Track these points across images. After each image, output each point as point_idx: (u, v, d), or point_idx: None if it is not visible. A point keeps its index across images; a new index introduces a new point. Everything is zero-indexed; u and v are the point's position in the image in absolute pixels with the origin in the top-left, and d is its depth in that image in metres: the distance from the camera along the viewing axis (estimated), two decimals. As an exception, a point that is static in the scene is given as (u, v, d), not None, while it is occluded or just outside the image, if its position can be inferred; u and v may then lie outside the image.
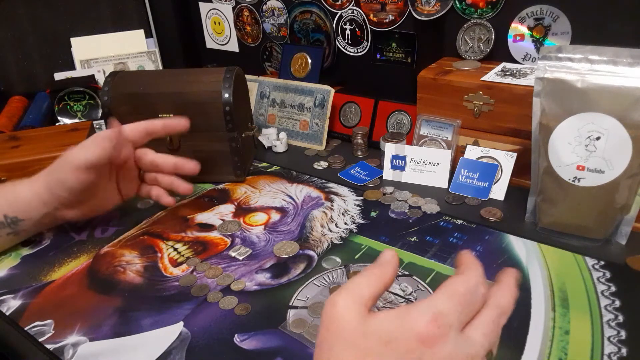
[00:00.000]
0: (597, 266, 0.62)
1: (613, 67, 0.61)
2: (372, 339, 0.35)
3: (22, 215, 0.68)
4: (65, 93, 1.12)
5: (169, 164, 0.74)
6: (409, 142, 0.89)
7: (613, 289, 0.58)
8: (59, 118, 1.11)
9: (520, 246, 0.67)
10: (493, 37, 0.87)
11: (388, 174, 0.86)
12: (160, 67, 1.29)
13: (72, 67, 1.25)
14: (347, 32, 1.07)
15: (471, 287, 0.37)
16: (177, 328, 0.57)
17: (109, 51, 1.25)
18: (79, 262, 0.70)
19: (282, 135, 1.00)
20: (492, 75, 0.81)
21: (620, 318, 0.54)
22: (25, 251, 0.72)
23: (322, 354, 0.36)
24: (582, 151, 0.63)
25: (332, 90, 0.99)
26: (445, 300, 0.36)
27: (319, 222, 0.75)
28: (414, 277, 0.63)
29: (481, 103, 0.80)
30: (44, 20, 1.24)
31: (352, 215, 0.76)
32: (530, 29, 0.85)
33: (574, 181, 0.65)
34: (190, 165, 0.74)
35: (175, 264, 0.68)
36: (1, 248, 0.71)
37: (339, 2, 1.05)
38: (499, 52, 0.88)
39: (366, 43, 1.05)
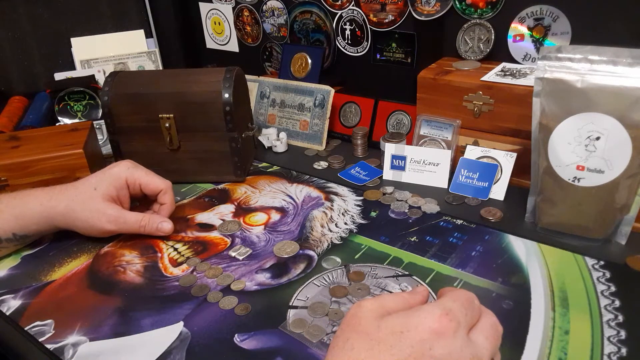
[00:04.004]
0: (597, 266, 0.62)
1: (613, 67, 0.61)
2: (385, 330, 0.37)
3: (30, 232, 0.69)
4: (66, 93, 1.12)
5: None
6: (409, 142, 0.89)
7: (613, 289, 0.58)
8: (59, 118, 1.11)
9: (520, 246, 0.67)
10: (493, 37, 0.87)
11: (388, 174, 0.86)
12: (160, 67, 1.29)
13: (72, 67, 1.25)
14: (347, 32, 1.07)
15: (469, 297, 0.41)
16: (177, 328, 0.57)
17: (109, 51, 1.25)
18: (79, 262, 0.70)
19: (282, 135, 1.00)
20: (492, 76, 0.81)
21: (620, 318, 0.54)
22: (25, 251, 0.72)
23: (337, 343, 0.39)
24: (582, 151, 0.63)
25: (332, 90, 0.98)
26: (451, 301, 0.39)
27: (319, 222, 0.75)
28: (414, 277, 0.63)
29: (481, 103, 0.80)
30: (44, 20, 1.24)
31: (352, 215, 0.76)
32: (530, 29, 0.85)
33: (573, 181, 0.65)
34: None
35: (176, 264, 0.68)
36: (3, 254, 0.71)
37: (339, 2, 1.05)
38: (499, 52, 0.88)
39: (366, 43, 1.05)
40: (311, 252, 0.69)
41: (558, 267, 0.63)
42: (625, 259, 0.63)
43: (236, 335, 0.55)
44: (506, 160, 0.78)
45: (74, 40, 1.25)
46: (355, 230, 0.73)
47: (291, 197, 0.83)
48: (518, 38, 0.86)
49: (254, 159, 0.98)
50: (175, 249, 0.71)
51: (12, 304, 0.62)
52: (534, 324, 0.54)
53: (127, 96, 0.85)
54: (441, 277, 0.63)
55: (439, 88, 0.84)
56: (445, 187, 0.82)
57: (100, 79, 1.21)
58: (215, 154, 0.87)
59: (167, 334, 0.56)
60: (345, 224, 0.75)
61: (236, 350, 0.54)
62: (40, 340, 0.56)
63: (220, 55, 1.34)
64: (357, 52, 1.07)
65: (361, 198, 0.81)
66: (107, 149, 0.97)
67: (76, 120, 1.11)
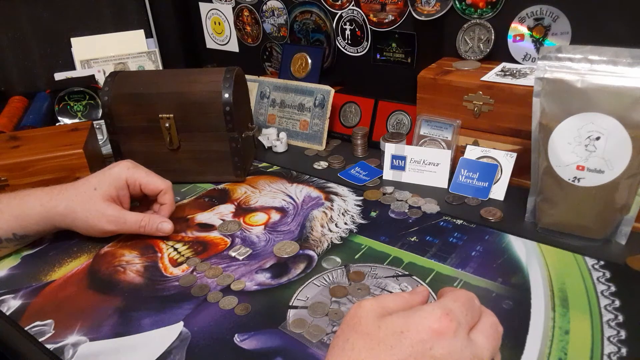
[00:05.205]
0: (597, 266, 0.62)
1: (613, 67, 0.61)
2: (385, 330, 0.37)
3: (30, 232, 0.69)
4: (66, 93, 1.12)
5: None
6: (409, 142, 0.89)
7: (613, 289, 0.58)
8: (59, 118, 1.11)
9: (520, 246, 0.67)
10: (493, 37, 0.87)
11: (388, 174, 0.86)
12: (160, 67, 1.29)
13: (72, 67, 1.25)
14: (347, 32, 1.07)
15: (469, 296, 0.41)
16: (177, 328, 0.57)
17: (109, 51, 1.25)
18: (79, 262, 0.70)
19: (282, 135, 1.00)
20: (492, 75, 0.81)
21: (620, 318, 0.54)
22: (25, 251, 0.72)
23: (337, 343, 0.39)
24: (582, 151, 0.63)
25: (332, 90, 0.98)
26: (452, 302, 0.39)
27: (319, 222, 0.75)
28: (414, 277, 0.63)
29: (481, 103, 0.80)
30: (44, 20, 1.23)
31: (352, 215, 0.76)
32: (530, 29, 0.85)
33: (573, 181, 0.65)
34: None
35: (176, 263, 0.68)
36: (3, 254, 0.71)
37: (339, 2, 1.05)
38: (499, 52, 0.88)
39: (366, 43, 1.05)
40: (311, 252, 0.69)
41: (558, 267, 0.63)
42: (625, 259, 0.63)
43: (236, 335, 0.55)
44: (506, 160, 0.78)
45: (74, 40, 1.25)
46: (355, 230, 0.73)
47: (291, 197, 0.83)
48: (518, 38, 0.86)
49: (254, 159, 0.98)
50: (175, 249, 0.71)
51: (12, 304, 0.62)
52: (534, 324, 0.54)
53: (127, 96, 0.85)
54: (441, 277, 0.63)
55: (439, 88, 0.84)
56: (445, 187, 0.82)
57: (100, 79, 1.21)
58: (215, 154, 0.87)
59: (167, 334, 0.56)
60: (345, 224, 0.75)
61: (236, 350, 0.54)
62: (40, 340, 0.56)
63: (220, 55, 1.34)
64: (357, 52, 1.07)
65: (361, 198, 0.81)
66: (107, 149, 0.97)
67: (76, 120, 1.11)
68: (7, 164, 0.82)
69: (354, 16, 1.04)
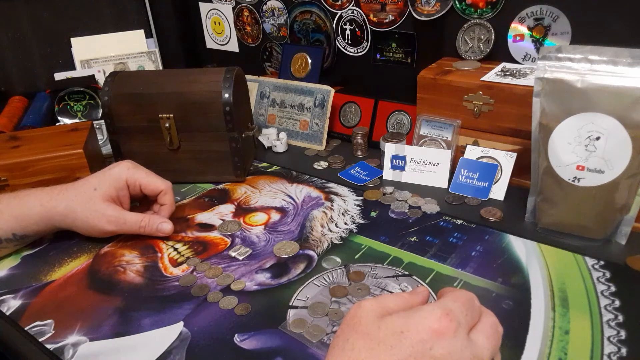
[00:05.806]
0: (597, 266, 0.62)
1: (613, 67, 0.61)
2: (385, 330, 0.37)
3: (30, 232, 0.69)
4: (66, 93, 1.12)
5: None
6: (409, 142, 0.89)
7: (613, 289, 0.58)
8: (59, 118, 1.11)
9: (520, 246, 0.67)
10: (493, 37, 0.87)
11: (388, 174, 0.86)
12: (160, 67, 1.29)
13: (72, 67, 1.25)
14: (347, 32, 1.07)
15: (469, 297, 0.41)
16: (177, 328, 0.57)
17: (109, 51, 1.25)
18: (79, 262, 0.70)
19: (282, 135, 1.00)
20: (492, 75, 0.81)
21: (620, 318, 0.54)
22: (25, 251, 0.72)
23: (337, 343, 0.39)
24: (582, 151, 0.63)
25: (332, 90, 0.98)
26: (452, 302, 0.39)
27: (319, 222, 0.75)
28: (414, 277, 0.63)
29: (481, 103, 0.80)
30: (44, 20, 1.24)
31: (352, 215, 0.76)
32: (530, 29, 0.85)
33: (573, 181, 0.65)
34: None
35: (176, 264, 0.68)
36: (3, 254, 0.71)
37: (339, 2, 1.05)
38: (499, 52, 0.88)
39: (366, 43, 1.05)
40: (311, 252, 0.69)
41: (558, 267, 0.63)
42: (625, 259, 0.63)
43: (236, 335, 0.55)
44: (506, 160, 0.78)
45: (74, 40, 1.25)
46: (355, 230, 0.73)
47: (291, 197, 0.83)
48: (518, 38, 0.86)
49: (254, 159, 0.98)
50: (175, 249, 0.71)
51: (12, 304, 0.62)
52: (534, 324, 0.54)
53: (127, 96, 0.85)
54: (441, 277, 0.63)
55: (439, 88, 0.84)
56: (445, 187, 0.82)
57: (100, 79, 1.21)
58: (215, 154, 0.87)
59: (167, 334, 0.56)
60: (345, 224, 0.75)
61: (236, 350, 0.54)
62: (40, 340, 0.56)
63: (220, 55, 1.34)
64: (357, 52, 1.07)
65: (361, 198, 0.81)
66: (107, 149, 0.97)
67: (76, 120, 1.11)
68: (7, 164, 0.82)
69: (354, 16, 1.04)
